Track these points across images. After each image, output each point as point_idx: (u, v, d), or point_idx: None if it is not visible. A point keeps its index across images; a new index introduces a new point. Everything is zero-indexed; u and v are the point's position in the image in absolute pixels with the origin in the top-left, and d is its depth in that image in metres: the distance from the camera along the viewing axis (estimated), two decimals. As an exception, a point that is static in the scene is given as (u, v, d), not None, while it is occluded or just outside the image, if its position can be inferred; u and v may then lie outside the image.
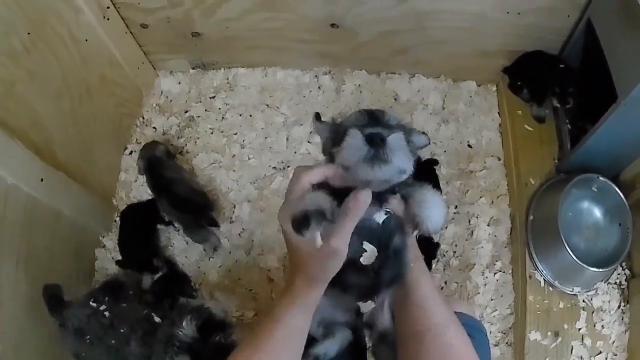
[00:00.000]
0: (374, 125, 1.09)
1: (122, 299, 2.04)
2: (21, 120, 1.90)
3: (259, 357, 1.13)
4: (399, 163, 1.06)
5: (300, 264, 1.13)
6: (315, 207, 1.04)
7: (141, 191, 2.57)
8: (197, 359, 1.79)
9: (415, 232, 1.19)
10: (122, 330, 1.89)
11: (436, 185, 2.39)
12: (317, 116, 1.29)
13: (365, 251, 1.17)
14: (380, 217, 1.17)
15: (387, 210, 1.17)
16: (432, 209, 1.14)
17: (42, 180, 1.95)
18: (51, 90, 2.08)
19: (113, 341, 1.88)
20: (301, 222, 1.02)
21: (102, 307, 1.93)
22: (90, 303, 1.93)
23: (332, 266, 1.09)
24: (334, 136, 1.18)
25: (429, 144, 1.24)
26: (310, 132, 2.63)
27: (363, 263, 1.17)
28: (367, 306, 1.28)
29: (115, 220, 2.51)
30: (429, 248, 2.29)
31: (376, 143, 1.03)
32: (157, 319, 1.92)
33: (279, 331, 1.15)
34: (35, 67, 1.97)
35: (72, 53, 2.16)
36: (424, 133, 1.22)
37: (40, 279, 1.95)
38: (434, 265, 2.36)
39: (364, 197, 1.06)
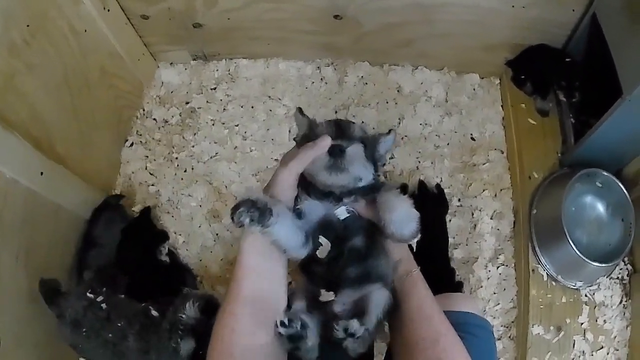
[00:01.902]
0: (340, 136, 1.28)
1: (119, 288, 2.04)
2: (20, 113, 1.89)
3: (237, 308, 1.19)
4: (356, 172, 1.25)
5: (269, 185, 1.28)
6: (250, 197, 1.16)
7: (141, 184, 2.56)
8: (201, 340, 1.79)
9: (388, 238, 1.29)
10: (119, 325, 1.87)
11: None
12: (300, 110, 1.42)
13: (321, 245, 1.30)
14: (341, 213, 1.32)
15: (351, 209, 1.32)
16: (396, 211, 1.26)
17: (41, 174, 1.93)
18: (51, 83, 2.06)
19: (110, 335, 1.86)
20: (233, 209, 1.14)
21: (99, 299, 1.92)
22: (87, 294, 1.92)
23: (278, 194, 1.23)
24: (308, 135, 1.36)
25: (394, 139, 1.41)
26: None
27: (318, 255, 1.30)
28: (326, 296, 1.33)
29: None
30: (449, 275, 2.29)
31: (336, 154, 1.22)
32: (154, 313, 1.90)
33: (246, 257, 1.23)
34: (35, 60, 1.94)
35: (72, 45, 2.14)
36: (390, 131, 1.40)
37: (40, 273, 1.94)
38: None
39: (323, 142, 1.22)
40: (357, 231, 1.32)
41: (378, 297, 1.28)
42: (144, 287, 2.17)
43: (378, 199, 1.29)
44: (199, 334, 1.80)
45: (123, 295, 2.01)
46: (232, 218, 1.14)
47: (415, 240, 1.29)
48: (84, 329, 1.86)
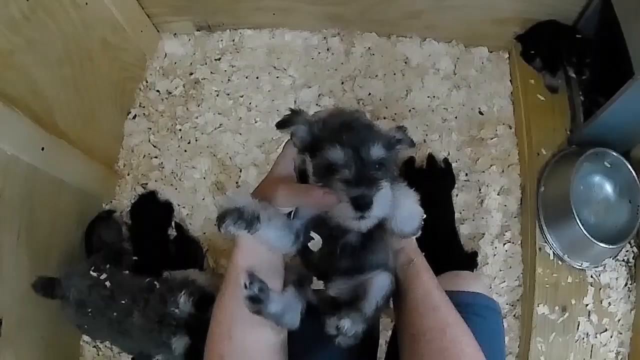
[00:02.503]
0: (359, 171, 1.09)
1: (124, 266, 2.04)
2: (21, 89, 1.87)
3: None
4: (380, 213, 1.09)
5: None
6: (235, 205, 1.09)
7: (145, 156, 2.55)
8: (195, 335, 1.79)
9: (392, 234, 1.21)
10: (123, 302, 1.86)
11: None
12: (294, 111, 1.21)
13: (313, 239, 1.23)
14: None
15: None
16: (399, 209, 1.16)
17: (42, 149, 1.92)
18: (52, 58, 2.04)
19: (115, 314, 1.86)
20: (219, 218, 1.09)
21: (103, 276, 1.91)
22: (91, 272, 1.91)
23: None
24: (310, 143, 1.18)
25: (414, 146, 1.28)
26: (319, 95, 2.60)
27: (310, 248, 1.24)
28: (316, 284, 1.33)
29: (118, 186, 2.48)
30: (467, 257, 2.28)
31: (362, 207, 1.06)
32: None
33: (243, 240, 1.20)
34: (35, 35, 1.92)
35: (73, 18, 2.11)
36: (411, 141, 1.25)
37: (42, 250, 1.96)
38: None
39: (326, 199, 1.08)
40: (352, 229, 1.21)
41: (379, 282, 1.26)
42: (155, 262, 2.19)
43: None
44: (191, 327, 1.80)
45: (127, 272, 2.01)
46: (219, 228, 1.09)
47: (416, 236, 1.24)
48: (89, 309, 1.87)
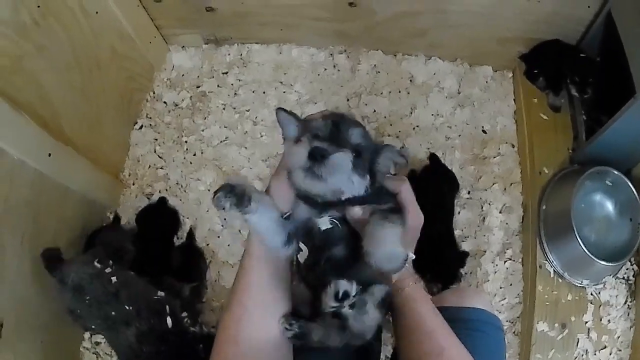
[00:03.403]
0: (333, 138, 1.12)
1: (125, 263, 2.03)
2: (29, 95, 1.88)
3: (244, 298, 1.21)
4: (336, 184, 1.11)
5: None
6: (230, 182, 1.12)
7: (150, 167, 2.56)
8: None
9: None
10: (126, 307, 1.85)
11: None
12: (283, 110, 1.24)
13: (301, 250, 1.25)
14: (323, 223, 1.22)
15: (334, 221, 1.22)
16: (380, 248, 1.12)
17: (49, 155, 1.92)
18: (60, 64, 2.05)
19: (113, 313, 1.85)
20: (214, 193, 1.09)
21: (108, 270, 1.90)
22: (95, 263, 1.90)
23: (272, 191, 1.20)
24: (300, 131, 1.21)
25: (407, 164, 1.23)
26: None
27: (299, 259, 1.27)
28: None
29: (123, 195, 2.50)
30: (458, 257, 2.29)
31: (315, 158, 1.07)
32: (169, 321, 1.89)
33: (255, 247, 1.22)
34: (45, 41, 1.93)
35: (83, 26, 2.13)
36: (402, 155, 1.22)
37: (45, 255, 1.94)
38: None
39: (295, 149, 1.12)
40: (337, 241, 1.23)
41: (374, 291, 1.25)
42: (157, 269, 2.20)
43: (367, 226, 1.16)
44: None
45: (132, 273, 2.00)
46: (213, 202, 1.10)
47: (398, 272, 1.17)
48: (87, 297, 1.85)
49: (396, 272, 1.16)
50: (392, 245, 1.13)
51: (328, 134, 1.14)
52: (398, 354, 1.31)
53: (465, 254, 2.30)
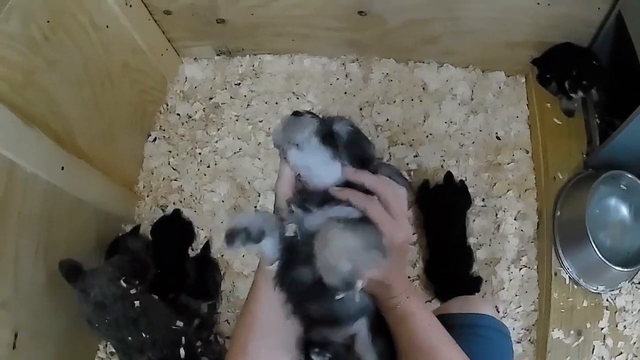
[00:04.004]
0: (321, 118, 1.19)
1: (147, 281, 2.03)
2: (41, 109, 1.89)
3: (255, 308, 1.20)
4: (298, 140, 1.15)
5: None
6: (243, 225, 1.09)
7: (164, 179, 2.57)
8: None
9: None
10: (143, 335, 1.85)
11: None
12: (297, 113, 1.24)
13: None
14: (289, 230, 1.13)
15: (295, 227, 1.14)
16: (326, 248, 1.01)
17: (62, 168, 1.93)
18: (72, 79, 2.06)
19: (130, 338, 1.85)
20: (227, 237, 1.08)
21: (133, 292, 1.89)
22: (122, 282, 1.89)
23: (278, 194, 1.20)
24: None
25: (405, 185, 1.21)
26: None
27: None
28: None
29: (137, 207, 2.51)
30: (472, 281, 2.27)
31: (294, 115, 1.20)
32: (182, 352, 1.89)
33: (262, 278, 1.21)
34: (55, 56, 1.94)
35: (93, 40, 2.14)
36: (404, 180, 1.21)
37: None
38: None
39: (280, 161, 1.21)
40: (300, 258, 1.11)
41: (360, 338, 1.23)
42: (172, 281, 2.22)
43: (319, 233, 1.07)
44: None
45: (156, 297, 2.00)
46: (227, 244, 1.08)
47: (353, 290, 1.00)
48: (108, 317, 1.84)
49: (344, 289, 0.99)
50: (342, 243, 1.01)
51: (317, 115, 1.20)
52: None
53: (480, 280, 2.27)
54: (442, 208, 2.32)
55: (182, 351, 1.88)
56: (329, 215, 1.10)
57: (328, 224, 1.06)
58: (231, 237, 1.07)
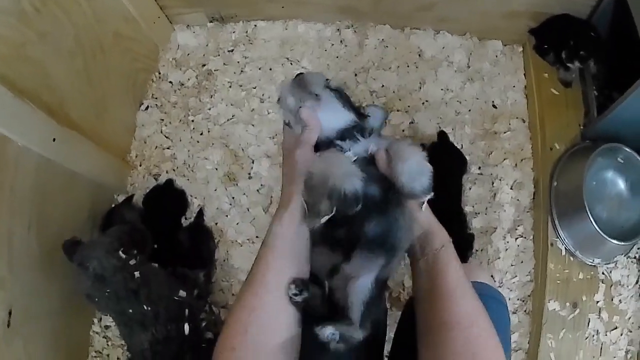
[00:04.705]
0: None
1: (147, 251, 1.99)
2: (32, 81, 1.86)
3: (262, 275, 1.20)
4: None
5: (282, 182, 1.34)
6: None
7: (157, 147, 2.56)
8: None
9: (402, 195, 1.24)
10: (145, 307, 1.83)
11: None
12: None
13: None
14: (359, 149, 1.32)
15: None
16: (407, 161, 1.23)
17: (54, 140, 1.91)
18: (63, 50, 2.03)
19: (130, 311, 1.83)
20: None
21: (132, 262, 1.85)
22: (120, 253, 1.84)
23: (298, 175, 1.24)
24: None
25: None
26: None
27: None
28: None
29: (130, 177, 2.50)
30: (465, 239, 2.26)
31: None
32: (187, 328, 1.89)
33: (277, 241, 1.22)
34: (46, 28, 1.91)
35: (85, 10, 2.11)
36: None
37: (53, 241, 1.93)
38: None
39: (305, 111, 1.31)
40: (370, 178, 1.23)
41: (360, 287, 1.25)
42: (167, 250, 2.19)
43: (390, 149, 1.27)
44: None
45: (156, 265, 1.98)
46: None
47: (427, 198, 1.26)
48: (107, 289, 1.81)
49: (425, 194, 1.24)
50: (419, 158, 1.24)
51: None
52: (421, 321, 1.28)
53: (472, 237, 2.28)
54: (438, 168, 2.30)
55: (186, 327, 1.88)
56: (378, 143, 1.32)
57: (397, 143, 1.29)
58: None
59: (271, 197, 2.42)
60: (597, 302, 2.11)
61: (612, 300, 2.12)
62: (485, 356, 1.14)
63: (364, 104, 1.43)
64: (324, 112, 1.32)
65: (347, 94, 1.43)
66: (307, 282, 1.22)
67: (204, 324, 1.97)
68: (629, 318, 2.13)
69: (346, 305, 1.23)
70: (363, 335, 1.23)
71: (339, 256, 1.29)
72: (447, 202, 2.27)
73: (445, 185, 2.26)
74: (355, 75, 2.62)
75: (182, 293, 1.94)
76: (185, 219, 2.41)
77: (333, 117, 1.33)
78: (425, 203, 1.30)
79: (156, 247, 2.11)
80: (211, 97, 2.62)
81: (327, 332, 1.18)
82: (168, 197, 2.41)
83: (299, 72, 1.44)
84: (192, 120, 2.58)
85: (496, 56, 2.64)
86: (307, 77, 1.40)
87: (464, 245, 2.23)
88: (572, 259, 2.15)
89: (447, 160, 2.33)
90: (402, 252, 1.30)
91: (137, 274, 1.85)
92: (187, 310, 1.91)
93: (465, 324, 1.16)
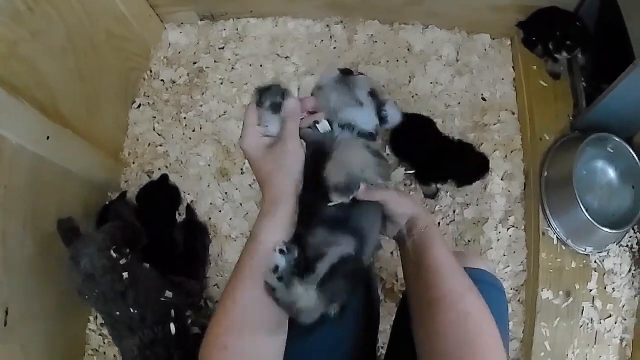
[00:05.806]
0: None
1: (138, 248, 1.97)
2: (25, 79, 1.87)
3: (243, 282, 1.17)
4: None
5: (266, 179, 1.23)
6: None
7: (150, 144, 2.56)
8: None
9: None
10: (132, 310, 1.80)
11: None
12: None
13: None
14: (323, 127, 1.28)
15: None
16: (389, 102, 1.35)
17: (47, 138, 1.92)
18: (55, 48, 2.04)
19: (117, 313, 1.81)
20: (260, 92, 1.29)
21: (122, 262, 1.82)
22: (111, 252, 1.81)
23: (291, 166, 1.22)
24: None
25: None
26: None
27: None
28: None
29: (123, 174, 2.51)
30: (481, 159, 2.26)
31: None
32: (172, 328, 1.87)
33: (258, 248, 1.18)
34: (39, 26, 1.92)
35: (77, 9, 2.12)
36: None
37: (48, 239, 1.94)
38: (443, 221, 2.36)
39: (290, 103, 1.26)
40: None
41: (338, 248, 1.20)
42: (161, 247, 2.19)
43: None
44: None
45: (147, 265, 1.96)
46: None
47: (344, 199, 1.17)
48: (96, 290, 1.79)
49: (342, 195, 1.16)
50: (347, 154, 1.22)
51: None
52: (412, 300, 1.28)
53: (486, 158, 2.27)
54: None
55: (172, 327, 1.86)
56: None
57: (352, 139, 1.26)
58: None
59: (263, 192, 2.42)
60: (590, 290, 2.13)
61: (605, 288, 2.15)
62: (477, 329, 1.14)
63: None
64: (359, 116, 1.29)
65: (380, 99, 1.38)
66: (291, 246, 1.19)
67: (189, 320, 1.95)
68: (623, 306, 2.15)
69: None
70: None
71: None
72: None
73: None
74: (345, 70, 2.62)
75: (169, 294, 1.92)
76: (179, 214, 2.42)
77: (363, 123, 1.29)
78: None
79: (149, 243, 2.11)
80: (203, 94, 2.63)
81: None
82: (161, 193, 2.41)
83: (345, 67, 1.45)
84: (184, 117, 2.59)
85: (485, 49, 2.66)
86: (357, 80, 1.38)
87: (479, 165, 2.25)
88: (564, 247, 2.17)
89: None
90: (371, 238, 1.27)
91: (125, 274, 1.82)
92: (172, 311, 1.89)
93: (452, 299, 1.16)
